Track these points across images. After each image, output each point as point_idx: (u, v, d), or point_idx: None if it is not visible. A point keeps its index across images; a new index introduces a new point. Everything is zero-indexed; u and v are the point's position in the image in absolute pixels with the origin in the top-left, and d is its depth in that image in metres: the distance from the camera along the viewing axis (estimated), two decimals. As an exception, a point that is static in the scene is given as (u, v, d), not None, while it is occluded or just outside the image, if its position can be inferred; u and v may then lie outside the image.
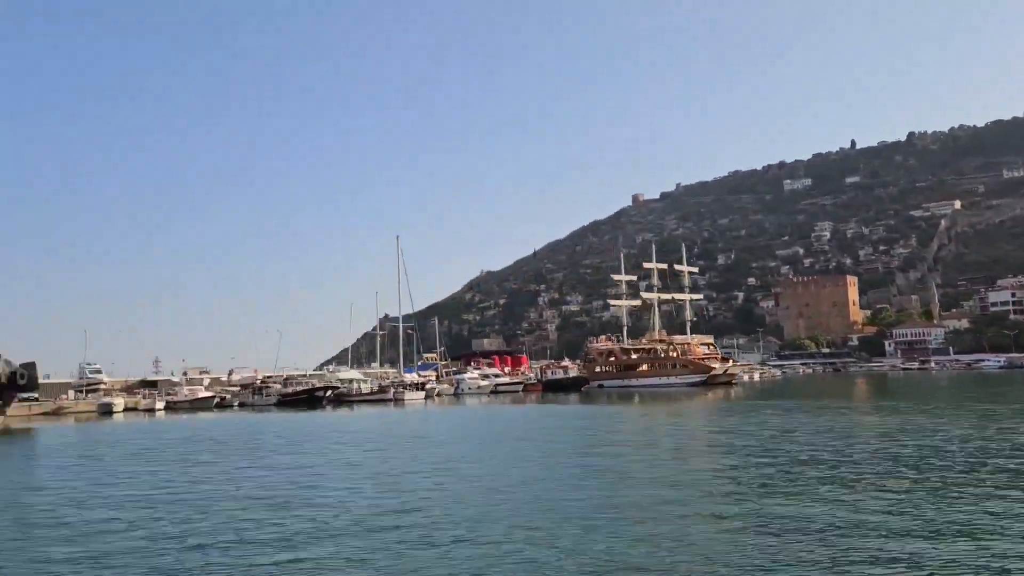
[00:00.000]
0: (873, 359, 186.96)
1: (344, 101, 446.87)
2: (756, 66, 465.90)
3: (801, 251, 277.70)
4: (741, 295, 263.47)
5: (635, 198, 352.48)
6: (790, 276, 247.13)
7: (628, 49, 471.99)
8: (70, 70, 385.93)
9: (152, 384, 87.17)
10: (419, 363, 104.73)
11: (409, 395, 79.09)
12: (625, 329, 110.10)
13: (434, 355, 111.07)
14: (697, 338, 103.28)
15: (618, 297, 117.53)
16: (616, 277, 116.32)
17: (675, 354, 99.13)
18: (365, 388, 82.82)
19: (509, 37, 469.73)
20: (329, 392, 78.51)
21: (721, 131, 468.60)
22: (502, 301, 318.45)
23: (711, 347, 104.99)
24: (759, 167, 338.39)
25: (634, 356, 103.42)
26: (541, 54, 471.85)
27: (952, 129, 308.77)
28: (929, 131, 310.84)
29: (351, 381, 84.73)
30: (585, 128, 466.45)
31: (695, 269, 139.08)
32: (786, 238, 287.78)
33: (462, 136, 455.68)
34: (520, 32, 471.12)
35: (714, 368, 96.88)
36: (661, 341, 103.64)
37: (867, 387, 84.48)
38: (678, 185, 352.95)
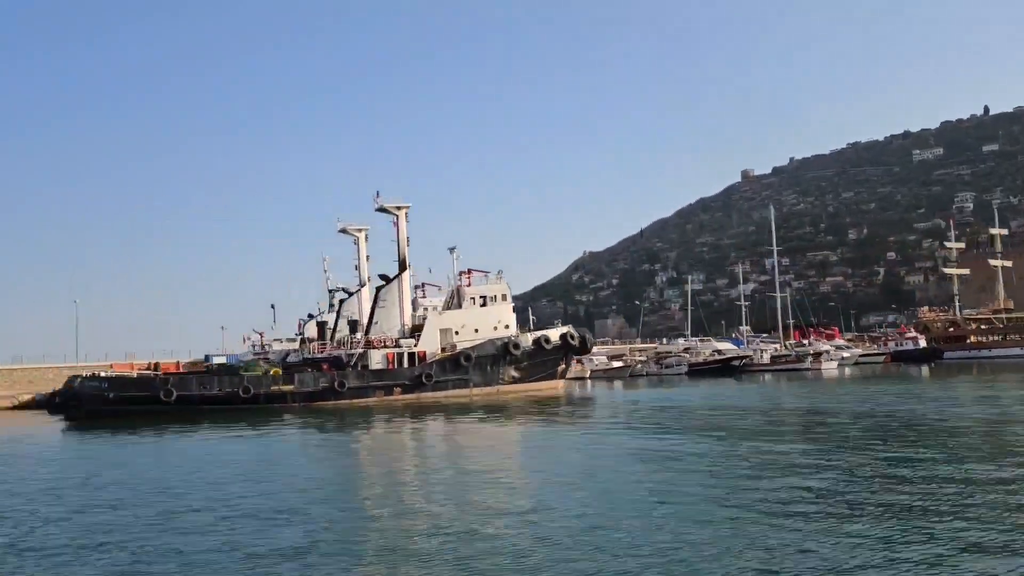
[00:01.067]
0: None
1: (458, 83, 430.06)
2: (872, 33, 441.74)
3: (943, 223, 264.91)
4: (882, 271, 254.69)
5: (745, 174, 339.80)
6: (936, 250, 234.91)
7: (723, 18, 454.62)
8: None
9: None
10: (733, 335, 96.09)
11: (826, 364, 70.55)
12: (957, 299, 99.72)
13: (747, 327, 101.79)
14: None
15: (948, 264, 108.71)
16: (948, 245, 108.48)
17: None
18: (766, 358, 73.92)
19: (605, 14, 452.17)
20: (742, 361, 70.17)
21: (834, 102, 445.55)
22: (615, 281, 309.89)
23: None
24: (880, 138, 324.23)
25: (983, 326, 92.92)
26: (642, 28, 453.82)
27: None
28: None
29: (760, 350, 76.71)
30: (687, 104, 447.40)
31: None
32: (922, 210, 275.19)
33: (557, 118, 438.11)
34: (616, 9, 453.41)
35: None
36: (1009, 311, 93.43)
37: None
38: (791, 159, 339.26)
